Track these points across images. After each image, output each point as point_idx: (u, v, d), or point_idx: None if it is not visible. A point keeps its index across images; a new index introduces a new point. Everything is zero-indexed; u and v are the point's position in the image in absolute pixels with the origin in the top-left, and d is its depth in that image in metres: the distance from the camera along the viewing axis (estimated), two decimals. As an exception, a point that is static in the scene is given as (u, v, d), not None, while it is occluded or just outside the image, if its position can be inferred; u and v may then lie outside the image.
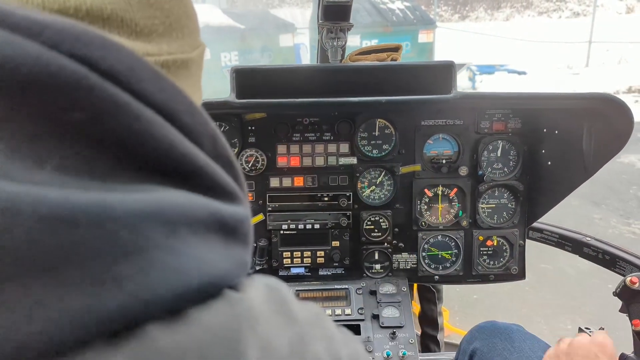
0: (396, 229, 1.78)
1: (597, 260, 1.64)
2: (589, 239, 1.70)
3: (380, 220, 1.76)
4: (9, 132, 0.27)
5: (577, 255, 1.73)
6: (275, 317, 0.36)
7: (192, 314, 0.30)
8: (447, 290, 2.65)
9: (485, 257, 1.80)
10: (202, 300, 0.31)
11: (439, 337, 2.06)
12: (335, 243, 1.77)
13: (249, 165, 1.70)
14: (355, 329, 1.60)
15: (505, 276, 1.82)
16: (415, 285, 2.08)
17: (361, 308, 1.65)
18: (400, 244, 1.79)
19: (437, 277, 1.81)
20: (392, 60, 1.63)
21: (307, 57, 11.74)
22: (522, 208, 1.77)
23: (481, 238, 1.78)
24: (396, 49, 1.65)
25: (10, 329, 0.24)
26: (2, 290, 0.24)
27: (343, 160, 1.73)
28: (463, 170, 1.74)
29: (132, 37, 0.37)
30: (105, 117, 0.29)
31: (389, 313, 1.64)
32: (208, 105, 1.46)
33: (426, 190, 1.76)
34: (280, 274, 1.77)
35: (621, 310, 1.30)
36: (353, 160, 1.73)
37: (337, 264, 1.77)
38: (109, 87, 0.29)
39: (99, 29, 0.34)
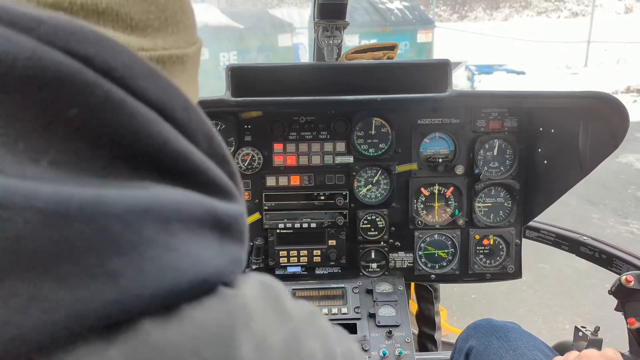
0: (392, 228, 1.78)
1: (594, 259, 1.64)
2: (586, 238, 1.70)
3: (377, 219, 1.76)
4: (4, 127, 0.27)
5: (574, 254, 1.73)
6: (269, 314, 0.35)
7: (186, 310, 0.30)
8: (445, 289, 2.67)
9: (481, 256, 1.80)
10: (196, 296, 0.31)
11: (436, 336, 2.06)
12: (332, 242, 1.76)
13: (245, 164, 1.70)
14: (352, 328, 1.60)
15: (501, 275, 1.82)
16: (412, 284, 2.08)
17: (357, 307, 1.65)
18: (397, 243, 1.79)
19: (433, 276, 1.81)
20: (388, 58, 1.63)
21: (305, 57, 11.74)
22: (518, 207, 1.77)
23: (477, 237, 1.78)
24: (392, 47, 1.65)
25: (4, 322, 0.24)
26: None
27: (339, 159, 1.73)
28: (459, 169, 1.74)
29: (127, 31, 0.37)
30: (100, 113, 0.29)
31: (385, 312, 1.64)
32: (204, 104, 1.46)
33: (422, 189, 1.76)
34: (277, 273, 1.77)
35: (616, 309, 1.30)
36: (349, 159, 1.73)
37: (333, 263, 1.77)
38: (103, 84, 0.29)
39: (94, 23, 0.34)
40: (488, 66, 12.57)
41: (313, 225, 1.74)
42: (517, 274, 1.81)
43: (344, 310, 1.65)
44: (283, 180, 1.73)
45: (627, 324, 1.26)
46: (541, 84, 11.63)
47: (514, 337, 1.31)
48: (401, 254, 1.80)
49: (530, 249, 1.87)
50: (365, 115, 1.69)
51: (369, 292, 1.71)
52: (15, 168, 0.26)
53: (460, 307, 3.51)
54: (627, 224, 4.88)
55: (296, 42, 12.18)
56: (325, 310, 1.64)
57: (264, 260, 1.75)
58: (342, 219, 1.74)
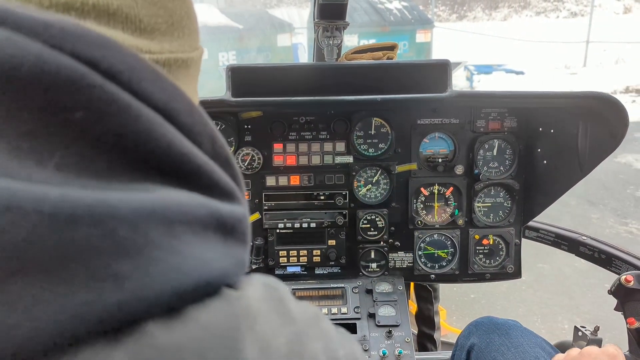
0: (392, 228, 1.78)
1: (593, 259, 1.65)
2: (585, 238, 1.70)
3: (377, 219, 1.76)
4: (11, 130, 0.27)
5: (573, 254, 1.73)
6: (273, 315, 0.36)
7: (191, 312, 0.30)
8: (444, 289, 2.67)
9: (481, 255, 1.81)
10: (200, 298, 0.32)
11: (435, 336, 2.06)
12: (332, 242, 1.77)
13: (245, 164, 1.70)
14: (352, 328, 1.60)
15: (501, 275, 1.82)
16: (412, 284, 2.08)
17: (357, 307, 1.65)
18: (397, 243, 1.79)
19: (433, 275, 1.81)
20: (388, 58, 1.63)
21: (305, 57, 11.75)
22: (517, 207, 1.77)
23: (477, 237, 1.79)
24: (392, 47, 1.65)
25: (10, 325, 0.24)
26: (3, 287, 0.25)
27: (339, 159, 1.73)
28: (459, 169, 1.74)
29: (135, 33, 0.37)
30: (106, 116, 0.29)
31: (385, 312, 1.64)
32: (204, 104, 1.46)
33: (422, 189, 1.76)
34: (277, 272, 1.77)
35: (616, 309, 1.31)
36: (349, 159, 1.73)
37: (333, 263, 1.77)
38: (109, 87, 0.29)
39: (105, 24, 0.35)
40: (487, 66, 12.59)
41: (313, 225, 1.74)
42: (516, 273, 1.81)
43: (344, 310, 1.65)
44: (283, 180, 1.73)
45: (626, 323, 1.26)
46: (540, 84, 11.64)
47: (516, 335, 1.32)
48: (401, 253, 1.80)
49: (529, 248, 1.87)
50: (365, 115, 1.69)
51: (369, 292, 1.71)
52: (21, 171, 0.27)
53: (459, 307, 3.52)
54: (626, 224, 4.89)
55: (295, 42, 12.18)
56: (325, 310, 1.64)
57: (264, 260, 1.75)
58: (342, 218, 1.74)
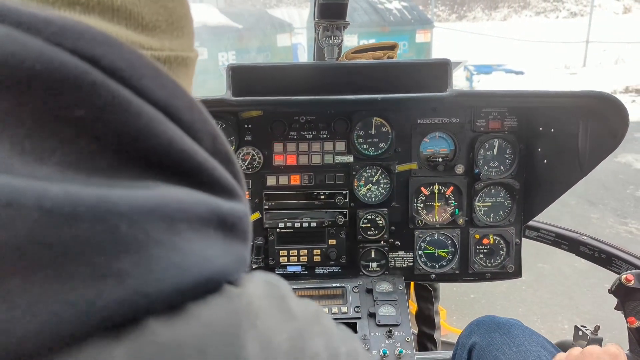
0: (392, 227, 1.78)
1: (593, 258, 1.65)
2: (585, 237, 1.70)
3: (377, 219, 1.76)
4: (12, 127, 0.27)
5: (573, 254, 1.73)
6: (274, 312, 0.36)
7: (192, 308, 0.30)
8: (444, 289, 2.67)
9: (481, 255, 1.81)
10: (201, 295, 0.32)
11: (435, 335, 2.06)
12: (332, 241, 1.77)
13: (246, 164, 1.70)
14: (352, 327, 1.60)
15: (501, 274, 1.82)
16: (412, 284, 2.08)
17: (358, 306, 1.65)
18: (397, 242, 1.79)
19: (433, 275, 1.81)
20: (388, 58, 1.63)
21: (304, 57, 11.75)
22: (518, 206, 1.77)
23: (477, 236, 1.79)
24: (392, 47, 1.65)
25: (12, 322, 0.24)
26: (4, 284, 0.25)
27: (339, 159, 1.73)
28: (459, 169, 1.74)
29: (138, 30, 0.38)
30: (107, 113, 0.29)
31: (385, 311, 1.64)
32: (204, 103, 1.45)
33: (422, 188, 1.76)
34: (277, 272, 1.77)
35: (617, 308, 1.31)
36: (349, 159, 1.73)
37: (333, 262, 1.77)
38: (110, 84, 0.29)
39: (109, 19, 0.35)
40: (487, 66, 12.59)
41: (313, 224, 1.74)
42: (516, 273, 1.81)
43: (344, 309, 1.65)
44: (283, 180, 1.73)
45: (627, 323, 1.26)
46: (540, 84, 11.65)
47: (517, 334, 1.32)
48: (401, 253, 1.80)
49: (529, 248, 1.87)
50: (365, 114, 1.69)
51: (369, 291, 1.71)
52: (23, 168, 0.27)
53: (459, 306, 3.52)
54: (626, 224, 4.89)
55: (295, 42, 12.18)
56: (325, 310, 1.64)
57: (264, 259, 1.75)
58: (342, 218, 1.74)
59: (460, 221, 1.78)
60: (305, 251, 1.76)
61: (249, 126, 1.69)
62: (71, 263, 0.26)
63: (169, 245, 0.30)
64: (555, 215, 4.25)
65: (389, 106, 1.68)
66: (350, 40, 10.21)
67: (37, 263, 0.25)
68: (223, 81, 1.49)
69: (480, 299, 3.64)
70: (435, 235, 1.80)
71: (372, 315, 1.63)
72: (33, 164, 0.27)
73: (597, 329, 1.34)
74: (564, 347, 1.39)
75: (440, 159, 1.74)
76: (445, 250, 1.80)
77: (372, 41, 1.82)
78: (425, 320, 2.07)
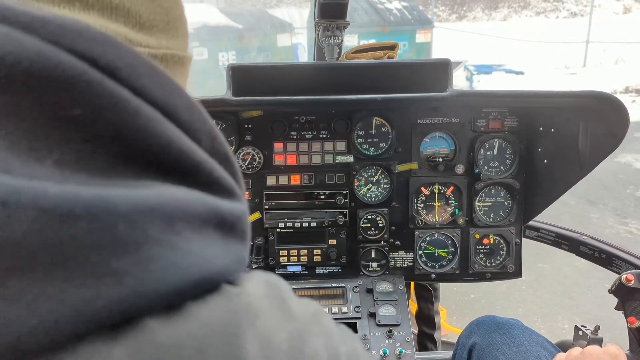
0: (393, 227, 1.78)
1: (594, 258, 1.65)
2: (585, 237, 1.70)
3: (377, 219, 1.76)
4: (9, 127, 0.27)
5: (574, 254, 1.73)
6: (274, 312, 0.35)
7: (191, 308, 0.30)
8: (444, 289, 2.67)
9: (481, 255, 1.81)
10: (200, 295, 0.31)
11: (435, 335, 2.06)
12: (332, 241, 1.76)
13: (246, 164, 1.70)
14: (352, 327, 1.60)
15: (501, 274, 1.82)
16: (412, 283, 2.08)
17: (358, 306, 1.65)
18: (397, 242, 1.79)
19: (433, 275, 1.81)
20: (388, 58, 1.63)
21: (304, 57, 11.75)
22: (518, 206, 1.77)
23: (477, 236, 1.79)
24: (393, 47, 1.65)
25: (10, 321, 0.24)
26: (2, 283, 0.24)
27: (340, 159, 1.73)
28: (459, 169, 1.74)
29: (136, 28, 0.38)
30: (104, 112, 0.29)
31: (385, 311, 1.64)
32: (204, 103, 1.45)
33: (423, 188, 1.76)
34: (277, 272, 1.77)
35: (617, 308, 1.31)
36: (350, 159, 1.73)
37: (333, 262, 1.77)
38: (108, 83, 0.29)
39: (107, 16, 0.36)
40: (487, 66, 12.59)
41: (313, 224, 1.74)
42: (517, 273, 1.81)
43: (344, 309, 1.65)
44: (283, 180, 1.73)
45: (627, 322, 1.26)
46: (540, 84, 11.65)
47: (517, 334, 1.32)
48: (401, 253, 1.80)
49: (529, 248, 1.87)
50: (365, 114, 1.69)
51: (369, 291, 1.71)
52: (20, 168, 0.27)
53: (459, 306, 3.52)
54: (626, 224, 4.89)
55: (295, 42, 12.18)
56: (325, 310, 1.64)
57: (264, 259, 1.75)
58: (343, 218, 1.74)
59: (461, 221, 1.78)
60: (306, 251, 1.76)
61: (249, 126, 1.69)
62: (69, 263, 0.26)
63: (167, 245, 0.30)
64: (555, 215, 4.25)
65: (389, 106, 1.68)
66: (351, 41, 10.21)
67: (35, 262, 0.25)
68: (223, 81, 1.49)
69: (481, 299, 3.64)
70: (436, 235, 1.79)
71: (372, 315, 1.63)
72: (31, 164, 0.27)
73: (597, 329, 1.34)
74: (564, 347, 1.39)
75: (441, 159, 1.74)
76: (446, 250, 1.80)
77: (372, 41, 1.81)
78: (426, 320, 2.07)
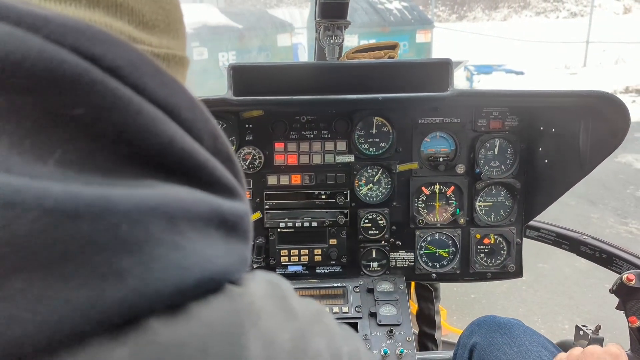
0: (393, 227, 1.78)
1: (594, 258, 1.65)
2: (586, 237, 1.70)
3: (378, 218, 1.76)
4: (12, 126, 0.27)
5: (574, 254, 1.73)
6: (276, 312, 0.35)
7: (194, 308, 0.30)
8: (445, 289, 2.67)
9: (482, 255, 1.81)
10: (203, 295, 0.31)
11: (436, 335, 2.06)
12: (333, 241, 1.76)
13: (247, 163, 1.70)
14: (353, 327, 1.60)
15: (502, 274, 1.82)
16: (412, 284, 2.08)
17: (359, 306, 1.65)
18: (398, 242, 1.79)
19: (434, 275, 1.81)
20: (389, 57, 1.63)
21: (305, 57, 11.75)
22: (519, 206, 1.77)
23: (478, 236, 1.79)
24: (393, 46, 1.65)
25: (12, 321, 0.24)
26: (5, 283, 0.24)
27: (340, 158, 1.73)
28: (460, 169, 1.74)
29: (139, 27, 0.38)
30: (107, 112, 0.29)
31: (386, 311, 1.64)
32: (205, 103, 1.45)
33: (423, 188, 1.76)
34: (278, 272, 1.77)
35: (618, 308, 1.31)
36: (350, 158, 1.73)
37: (334, 262, 1.77)
38: (110, 82, 0.29)
39: (112, 14, 0.36)
40: (487, 66, 12.59)
41: (314, 224, 1.74)
42: (517, 273, 1.81)
43: (345, 309, 1.65)
44: (284, 180, 1.73)
45: (628, 322, 1.26)
46: (540, 84, 11.65)
47: (518, 334, 1.32)
48: (402, 253, 1.80)
49: (530, 248, 1.87)
50: (366, 114, 1.69)
51: (370, 291, 1.71)
52: (23, 167, 0.27)
53: (460, 306, 3.52)
54: (626, 224, 4.89)
55: (295, 42, 12.18)
56: (326, 309, 1.64)
57: (265, 259, 1.75)
58: (343, 218, 1.74)
59: (461, 221, 1.78)
60: (306, 251, 1.76)
61: (250, 126, 1.69)
62: (72, 262, 0.26)
63: (170, 245, 0.29)
64: (556, 215, 4.25)
65: (390, 106, 1.68)
66: (351, 41, 10.21)
67: (37, 262, 0.25)
68: (223, 81, 1.49)
69: (481, 299, 3.64)
70: (436, 235, 1.79)
71: (373, 315, 1.63)
72: (33, 163, 0.27)
73: (598, 328, 1.34)
74: (565, 347, 1.39)
75: (441, 159, 1.74)
76: (446, 250, 1.80)
77: (372, 41, 1.81)
78: (426, 320, 2.07)
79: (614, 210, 5.23)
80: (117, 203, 0.27)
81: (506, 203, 1.78)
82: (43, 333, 0.25)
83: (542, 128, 1.66)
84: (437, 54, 12.06)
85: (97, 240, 0.26)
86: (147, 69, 0.32)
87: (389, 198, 1.76)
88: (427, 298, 2.05)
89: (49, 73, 0.27)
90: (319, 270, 1.79)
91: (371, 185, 1.76)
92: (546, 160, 1.65)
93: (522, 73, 12.40)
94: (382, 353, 1.53)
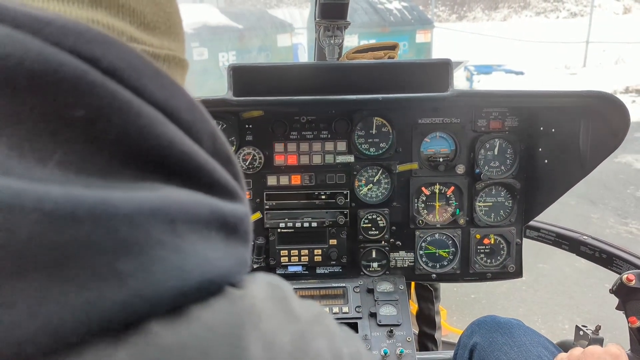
0: (393, 227, 1.78)
1: (594, 258, 1.65)
2: (586, 237, 1.70)
3: (378, 219, 1.76)
4: (11, 129, 0.27)
5: (574, 254, 1.73)
6: (277, 314, 0.35)
7: (194, 311, 0.30)
8: (445, 289, 2.67)
9: (482, 255, 1.81)
10: (203, 297, 0.31)
11: (436, 336, 2.06)
12: (333, 241, 1.77)
13: (246, 164, 1.70)
14: (353, 327, 1.60)
15: (502, 274, 1.82)
16: (412, 284, 2.08)
17: (359, 306, 1.66)
18: (398, 242, 1.79)
19: (434, 275, 1.81)
20: (389, 58, 1.63)
21: (305, 57, 11.75)
22: (519, 206, 1.77)
23: (478, 236, 1.79)
24: (393, 47, 1.65)
25: (13, 325, 0.24)
26: (4, 286, 0.24)
27: (340, 159, 1.73)
28: (460, 169, 1.74)
29: (140, 27, 0.38)
30: (107, 114, 0.29)
31: (386, 311, 1.64)
32: (205, 103, 1.46)
33: (423, 188, 1.76)
34: (278, 272, 1.77)
35: (618, 308, 1.31)
36: (350, 159, 1.73)
37: (334, 262, 1.77)
38: (110, 84, 0.29)
39: (114, 14, 0.36)
40: (487, 66, 12.59)
41: (314, 224, 1.74)
42: (517, 273, 1.81)
43: (345, 309, 1.65)
44: (284, 180, 1.73)
45: (628, 322, 1.26)
46: (540, 84, 11.65)
47: (518, 334, 1.32)
48: (402, 253, 1.80)
49: (530, 248, 1.87)
50: (366, 114, 1.69)
51: (370, 291, 1.71)
52: (23, 170, 0.26)
53: (460, 307, 3.52)
54: (626, 224, 4.89)
55: (295, 42, 12.18)
56: (326, 310, 1.64)
57: (265, 259, 1.75)
58: (343, 218, 1.74)
59: (461, 221, 1.78)
60: (306, 251, 1.76)
61: (250, 126, 1.69)
62: (72, 265, 0.26)
63: (170, 247, 0.29)
64: (556, 215, 4.25)
65: (389, 106, 1.68)
66: (351, 41, 10.21)
67: (37, 265, 0.25)
68: (223, 81, 1.49)
69: (481, 299, 3.64)
70: (436, 235, 1.79)
71: (373, 315, 1.63)
72: (32, 166, 0.27)
73: (598, 328, 1.34)
74: (565, 347, 1.39)
75: (441, 159, 1.74)
76: (446, 250, 1.80)
77: (372, 41, 1.81)
78: (426, 320, 2.07)
79: (614, 210, 5.23)
80: (117, 206, 0.27)
81: (506, 203, 1.78)
82: (43, 336, 0.25)
83: (542, 128, 1.66)
84: (437, 54, 12.06)
85: (97, 243, 0.26)
86: (146, 71, 0.32)
87: (388, 198, 1.76)
88: (427, 298, 2.05)
89: (48, 75, 0.27)
90: (319, 271, 1.79)
91: (371, 185, 1.76)
92: (546, 161, 1.65)
93: (522, 73, 12.40)
94: (382, 353, 1.53)
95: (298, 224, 1.74)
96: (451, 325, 3.08)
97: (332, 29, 1.65)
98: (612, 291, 1.30)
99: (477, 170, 1.73)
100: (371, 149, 1.72)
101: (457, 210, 1.77)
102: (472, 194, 1.76)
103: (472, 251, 1.79)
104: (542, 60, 14.45)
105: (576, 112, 1.51)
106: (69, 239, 0.25)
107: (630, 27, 16.07)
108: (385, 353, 1.54)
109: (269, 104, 1.54)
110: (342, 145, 1.72)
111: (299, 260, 1.76)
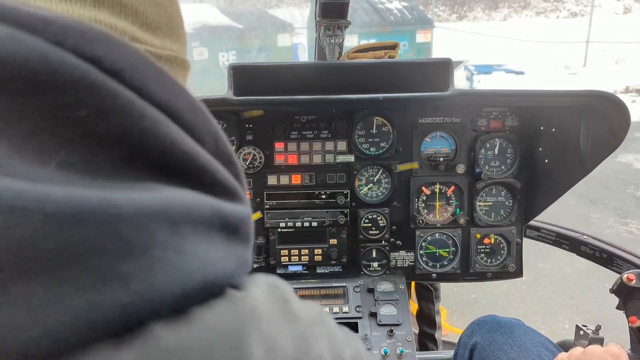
0: (394, 227, 1.78)
1: (594, 258, 1.65)
2: (586, 237, 1.70)
3: (378, 218, 1.76)
4: (13, 129, 0.27)
5: (574, 254, 1.73)
6: (278, 315, 0.35)
7: (196, 313, 0.30)
8: (445, 289, 2.67)
9: (482, 255, 1.81)
10: (205, 299, 0.31)
11: (436, 335, 2.06)
12: (333, 241, 1.76)
13: (247, 163, 1.70)
14: (353, 327, 1.60)
15: (502, 274, 1.82)
16: (412, 283, 2.08)
17: (359, 306, 1.65)
18: (398, 242, 1.79)
19: (434, 275, 1.81)
20: (389, 57, 1.63)
21: (305, 57, 11.76)
22: (519, 206, 1.77)
23: (478, 236, 1.79)
24: (393, 46, 1.65)
25: (15, 327, 0.24)
26: (7, 289, 0.24)
27: (341, 158, 1.73)
28: (460, 168, 1.74)
29: (143, 28, 0.38)
30: (109, 114, 0.29)
31: (386, 311, 1.64)
32: (206, 103, 1.45)
33: (423, 188, 1.76)
34: (278, 271, 1.77)
35: (618, 308, 1.31)
36: (351, 158, 1.73)
37: (334, 262, 1.77)
38: (112, 85, 0.29)
39: (117, 14, 0.36)
40: (487, 66, 12.60)
41: (314, 224, 1.74)
42: (518, 272, 1.81)
43: (345, 309, 1.65)
44: (284, 179, 1.73)
45: (628, 322, 1.26)
46: (540, 84, 11.66)
47: (519, 333, 1.32)
48: (402, 252, 1.80)
49: (530, 248, 1.87)
50: (366, 114, 1.69)
51: (370, 291, 1.71)
52: (24, 170, 0.26)
53: (460, 306, 3.52)
54: (626, 224, 4.89)
55: (295, 42, 12.19)
56: (326, 310, 1.64)
57: (265, 259, 1.75)
58: (343, 217, 1.74)
59: (462, 221, 1.78)
60: (307, 251, 1.76)
61: (250, 126, 1.69)
62: (74, 267, 0.25)
63: (173, 249, 0.29)
64: (556, 214, 4.25)
65: (390, 105, 1.68)
66: (351, 41, 10.21)
67: (39, 267, 0.25)
68: (223, 81, 1.49)
69: (481, 299, 3.64)
70: (437, 235, 1.79)
71: (373, 315, 1.63)
72: (34, 166, 0.27)
73: (598, 328, 1.34)
74: (565, 346, 1.39)
75: (442, 159, 1.74)
76: (447, 249, 1.80)
77: (372, 41, 1.81)
78: (426, 320, 2.07)
79: (614, 210, 5.23)
80: (119, 207, 0.27)
81: (506, 203, 1.78)
82: (46, 339, 0.25)
83: (542, 128, 1.66)
84: (437, 53, 12.07)
85: (99, 244, 0.26)
86: (149, 71, 0.32)
87: (389, 198, 1.76)
88: (427, 298, 2.05)
89: (49, 75, 0.27)
90: (319, 270, 1.79)
91: (371, 185, 1.76)
92: (546, 160, 1.65)
93: (522, 73, 12.40)
94: (383, 353, 1.53)
95: (298, 224, 1.74)
96: (451, 325, 3.08)
97: (333, 29, 1.65)
98: (612, 291, 1.30)
99: (478, 170, 1.73)
100: (371, 149, 1.72)
101: (458, 209, 1.77)
102: (473, 193, 1.76)
103: (472, 251, 1.79)
104: (542, 60, 14.46)
105: (576, 111, 1.51)
106: (71, 240, 0.25)
107: (630, 27, 16.09)
108: (386, 353, 1.54)
109: (269, 103, 1.54)
110: (342, 145, 1.72)
111: (299, 259, 1.76)
